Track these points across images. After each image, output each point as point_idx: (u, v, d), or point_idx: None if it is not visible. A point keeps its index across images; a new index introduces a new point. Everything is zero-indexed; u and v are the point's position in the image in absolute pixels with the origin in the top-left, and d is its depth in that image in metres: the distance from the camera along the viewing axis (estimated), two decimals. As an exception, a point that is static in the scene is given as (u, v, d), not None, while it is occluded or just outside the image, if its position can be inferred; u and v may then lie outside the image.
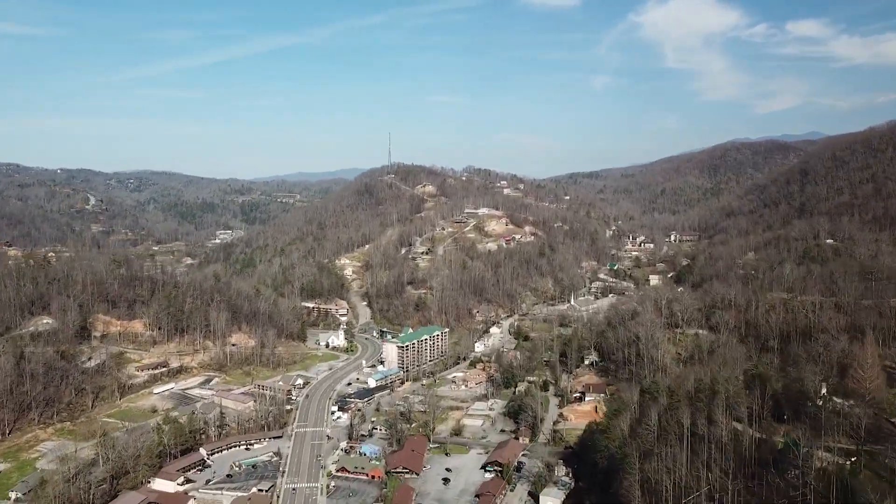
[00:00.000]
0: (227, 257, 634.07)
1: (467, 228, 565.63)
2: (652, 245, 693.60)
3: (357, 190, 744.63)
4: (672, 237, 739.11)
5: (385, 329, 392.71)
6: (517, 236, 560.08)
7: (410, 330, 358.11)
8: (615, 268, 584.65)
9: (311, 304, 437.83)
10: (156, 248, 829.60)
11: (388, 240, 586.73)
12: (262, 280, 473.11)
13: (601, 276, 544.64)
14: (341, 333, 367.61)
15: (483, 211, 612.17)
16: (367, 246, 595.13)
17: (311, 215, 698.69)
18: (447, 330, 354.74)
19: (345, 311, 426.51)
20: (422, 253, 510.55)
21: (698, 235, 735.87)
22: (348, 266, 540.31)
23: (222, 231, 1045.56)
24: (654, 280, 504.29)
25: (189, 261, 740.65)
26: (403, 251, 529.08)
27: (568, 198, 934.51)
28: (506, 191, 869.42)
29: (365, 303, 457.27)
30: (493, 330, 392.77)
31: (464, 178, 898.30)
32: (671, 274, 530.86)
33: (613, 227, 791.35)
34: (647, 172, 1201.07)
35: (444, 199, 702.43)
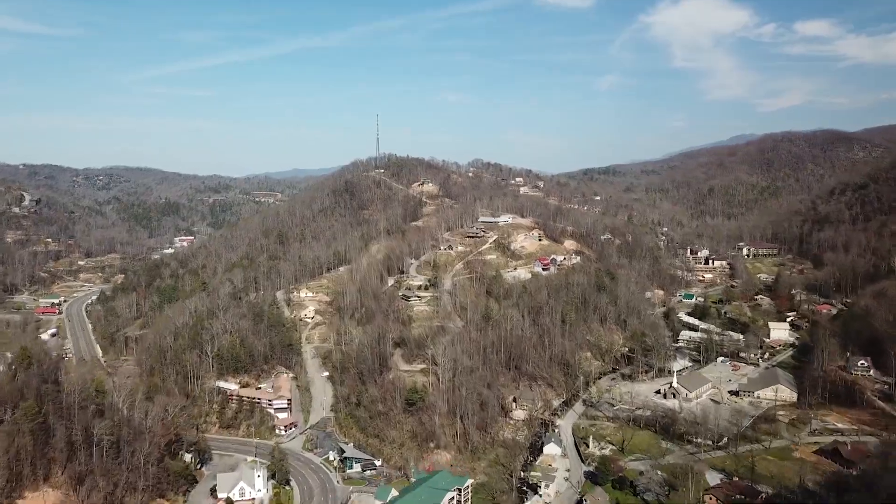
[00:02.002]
0: (149, 282, 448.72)
1: (486, 246, 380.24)
2: (726, 264, 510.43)
3: (334, 189, 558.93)
4: (745, 251, 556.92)
5: (350, 454, 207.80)
6: (558, 257, 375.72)
7: (394, 491, 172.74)
8: (694, 300, 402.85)
9: (230, 386, 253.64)
10: (82, 263, 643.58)
11: (372, 261, 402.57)
12: (161, 339, 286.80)
13: (683, 316, 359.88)
14: (259, 476, 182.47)
15: (505, 219, 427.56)
16: (341, 269, 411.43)
17: (269, 224, 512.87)
18: (469, 482, 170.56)
19: (285, 404, 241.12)
20: (419, 287, 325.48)
21: (778, 249, 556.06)
22: (310, 303, 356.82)
23: (182, 237, 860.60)
24: (781, 332, 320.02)
25: (121, 278, 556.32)
26: (392, 281, 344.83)
27: (599, 198, 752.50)
28: (522, 189, 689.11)
29: (326, 373, 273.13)
30: (550, 450, 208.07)
31: (470, 174, 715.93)
32: (790, 316, 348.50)
33: (662, 237, 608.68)
34: (681, 168, 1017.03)
35: (448, 202, 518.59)
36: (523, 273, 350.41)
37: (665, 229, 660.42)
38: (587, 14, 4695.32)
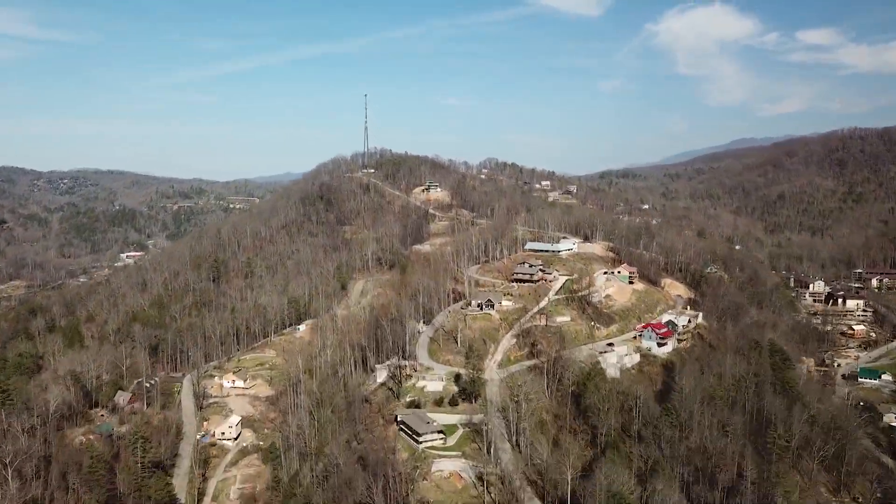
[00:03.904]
0: (7, 341, 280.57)
1: (550, 297, 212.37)
2: (860, 304, 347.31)
3: (305, 195, 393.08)
4: (874, 281, 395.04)
5: None
6: (676, 319, 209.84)
7: None
8: (878, 380, 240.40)
9: None
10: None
11: (351, 318, 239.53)
12: None
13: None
14: None
15: (567, 246, 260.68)
16: (301, 328, 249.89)
17: (204, 248, 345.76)
18: None
19: None
20: (438, 400, 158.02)
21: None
22: (236, 403, 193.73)
23: (130, 253, 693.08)
24: None
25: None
26: (383, 375, 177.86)
27: (647, 207, 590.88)
28: (551, 195, 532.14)
29: None
30: None
31: (483, 176, 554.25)
32: None
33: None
34: (723, 171, 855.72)
35: (466, 215, 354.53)
36: (626, 353, 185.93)
37: (738, 247, 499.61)
38: (595, 22, 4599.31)
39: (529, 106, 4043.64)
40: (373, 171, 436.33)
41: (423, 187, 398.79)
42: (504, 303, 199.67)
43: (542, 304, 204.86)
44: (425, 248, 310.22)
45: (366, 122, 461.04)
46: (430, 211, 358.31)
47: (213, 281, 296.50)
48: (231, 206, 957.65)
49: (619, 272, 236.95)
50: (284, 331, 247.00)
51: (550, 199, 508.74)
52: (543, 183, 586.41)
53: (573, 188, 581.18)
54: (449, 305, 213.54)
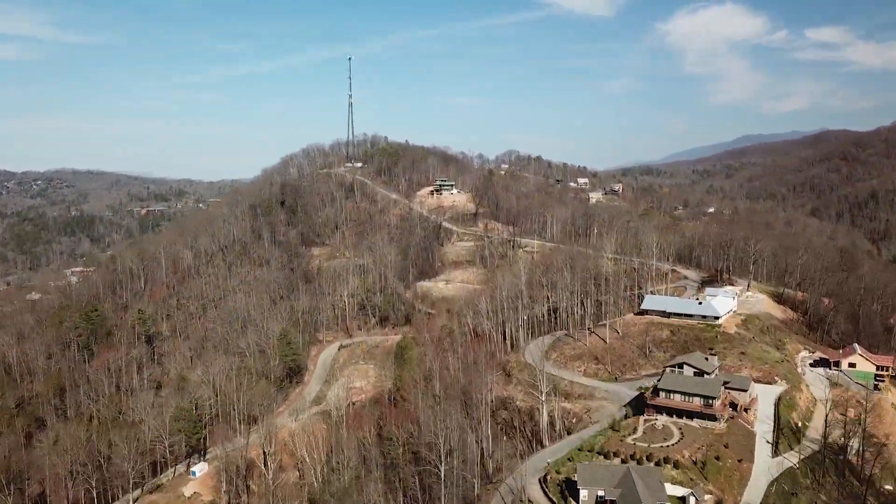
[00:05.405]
0: None
1: (770, 464, 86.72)
2: None
3: (257, 202, 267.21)
4: None
5: None
6: None
7: None
8: None
9: None
10: None
11: (300, 456, 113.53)
12: None
13: None
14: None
15: (728, 307, 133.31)
16: (198, 471, 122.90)
17: (92, 287, 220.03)
18: None
19: None
20: None
21: None
22: None
23: (77, 269, 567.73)
24: None
25: None
26: None
27: (712, 210, 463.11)
28: (593, 196, 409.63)
29: None
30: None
31: (502, 172, 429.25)
32: None
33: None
34: (774, 166, 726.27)
35: (499, 228, 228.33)
36: None
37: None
38: (608, 22, 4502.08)
39: (530, 106, 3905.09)
40: (361, 164, 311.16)
41: (432, 188, 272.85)
42: (669, 490, 74.27)
43: (755, 483, 78.98)
44: (440, 286, 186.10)
45: (350, 95, 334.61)
46: (445, 224, 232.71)
47: (82, 350, 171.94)
48: (211, 208, 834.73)
49: (851, 365, 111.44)
50: (163, 477, 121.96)
51: (593, 201, 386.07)
52: (581, 181, 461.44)
53: (618, 187, 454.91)
54: (510, 462, 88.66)
